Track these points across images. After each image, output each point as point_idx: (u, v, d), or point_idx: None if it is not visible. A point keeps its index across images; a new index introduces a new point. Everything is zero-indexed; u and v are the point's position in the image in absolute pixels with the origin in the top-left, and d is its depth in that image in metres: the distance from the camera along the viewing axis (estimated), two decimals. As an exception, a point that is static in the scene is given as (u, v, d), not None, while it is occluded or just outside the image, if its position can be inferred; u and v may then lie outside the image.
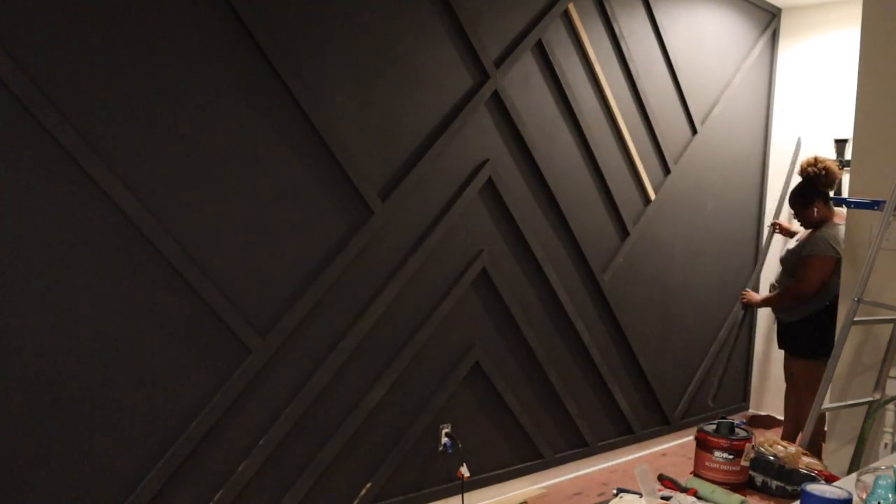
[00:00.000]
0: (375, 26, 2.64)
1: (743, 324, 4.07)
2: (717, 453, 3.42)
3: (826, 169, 3.46)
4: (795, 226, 3.91)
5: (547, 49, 3.18)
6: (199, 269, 2.23)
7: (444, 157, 2.88)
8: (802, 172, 3.51)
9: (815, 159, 3.50)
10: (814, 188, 3.48)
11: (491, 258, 3.07)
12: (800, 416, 3.67)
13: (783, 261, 3.70)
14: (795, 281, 3.50)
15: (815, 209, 3.48)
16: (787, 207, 3.88)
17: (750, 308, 4.00)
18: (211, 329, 2.29)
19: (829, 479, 3.07)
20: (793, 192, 3.59)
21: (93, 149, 2.01)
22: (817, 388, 3.25)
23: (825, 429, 3.49)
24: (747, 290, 4.01)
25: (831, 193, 3.60)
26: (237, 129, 2.31)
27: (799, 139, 4.43)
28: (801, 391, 3.67)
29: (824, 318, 3.41)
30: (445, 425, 2.98)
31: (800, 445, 3.31)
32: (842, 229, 3.40)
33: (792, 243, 3.71)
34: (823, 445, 3.39)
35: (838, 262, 3.30)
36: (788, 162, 4.47)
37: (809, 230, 3.58)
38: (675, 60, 3.82)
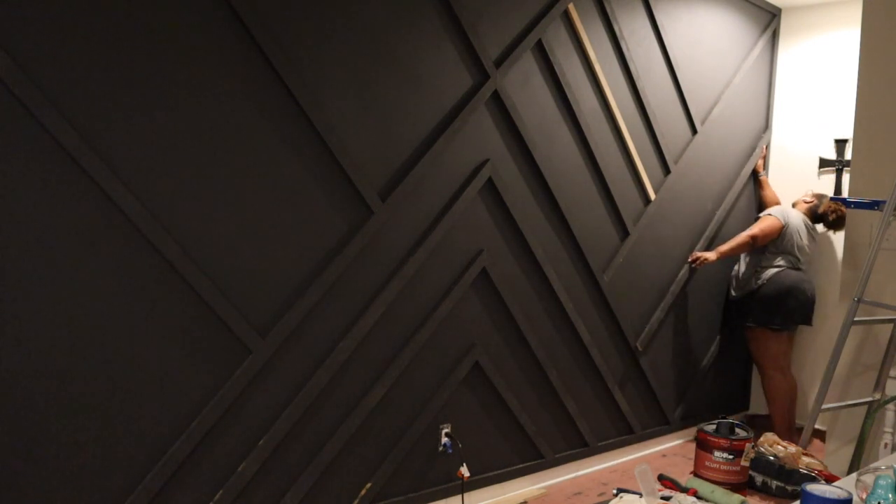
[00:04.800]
0: (375, 26, 2.64)
1: (688, 283, 4.08)
2: (717, 453, 3.42)
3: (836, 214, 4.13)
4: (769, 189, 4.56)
5: (547, 49, 3.18)
6: (199, 269, 2.24)
7: (444, 157, 2.88)
8: (828, 213, 4.13)
9: (838, 210, 4.10)
10: (822, 218, 4.18)
11: (491, 258, 3.07)
12: (766, 390, 4.16)
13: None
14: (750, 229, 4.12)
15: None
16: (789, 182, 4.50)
17: (702, 266, 4.09)
18: (211, 329, 2.29)
19: (829, 479, 3.07)
20: (814, 213, 4.19)
21: (93, 149, 2.01)
22: (772, 355, 4.10)
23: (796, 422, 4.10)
24: (696, 252, 4.06)
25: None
26: (237, 129, 2.31)
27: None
28: (757, 359, 4.20)
29: (768, 292, 4.01)
30: (445, 425, 2.99)
31: (800, 445, 3.32)
32: (799, 217, 4.15)
33: None
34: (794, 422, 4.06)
35: (782, 229, 4.04)
36: (788, 161, 4.49)
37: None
38: (675, 60, 3.82)
